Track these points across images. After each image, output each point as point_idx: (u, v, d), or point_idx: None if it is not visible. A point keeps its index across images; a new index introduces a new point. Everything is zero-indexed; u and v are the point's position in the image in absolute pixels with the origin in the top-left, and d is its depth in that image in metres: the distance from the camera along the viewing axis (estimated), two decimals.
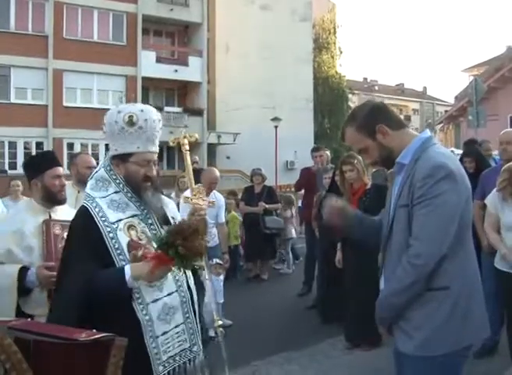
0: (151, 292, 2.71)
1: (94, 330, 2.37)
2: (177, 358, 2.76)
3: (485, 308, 2.86)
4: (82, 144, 28.04)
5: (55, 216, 3.62)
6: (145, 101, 30.99)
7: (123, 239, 2.73)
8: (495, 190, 5.13)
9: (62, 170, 3.73)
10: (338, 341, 6.39)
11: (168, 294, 2.77)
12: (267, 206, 10.40)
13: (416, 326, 2.67)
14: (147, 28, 31.40)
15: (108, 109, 2.95)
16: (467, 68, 43.34)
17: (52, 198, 3.66)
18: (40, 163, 3.76)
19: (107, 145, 2.89)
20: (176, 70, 31.36)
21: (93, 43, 28.81)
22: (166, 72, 30.93)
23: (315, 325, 7.28)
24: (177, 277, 2.80)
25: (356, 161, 6.32)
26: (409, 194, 2.66)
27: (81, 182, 5.37)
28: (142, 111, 2.84)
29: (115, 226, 2.73)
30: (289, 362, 5.91)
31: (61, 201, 3.70)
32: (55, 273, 3.12)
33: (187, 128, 30.29)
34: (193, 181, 2.92)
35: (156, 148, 2.90)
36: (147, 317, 2.67)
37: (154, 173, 2.87)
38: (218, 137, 32.39)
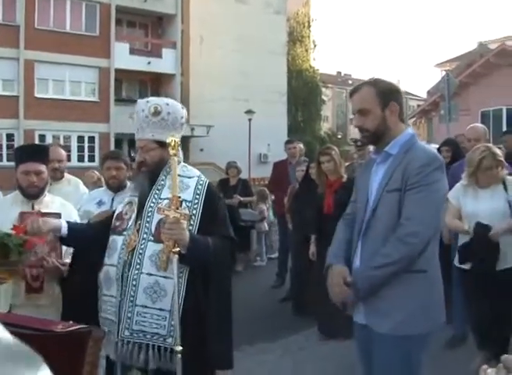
0: (107, 256, 3.12)
1: (71, 322, 2.37)
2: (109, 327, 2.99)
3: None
4: (54, 136, 27.66)
5: (38, 208, 3.61)
6: (118, 93, 30.79)
7: (118, 209, 3.27)
8: (457, 184, 5.18)
9: (37, 166, 3.64)
10: (312, 333, 6.42)
11: (111, 265, 3.07)
12: (242, 199, 10.41)
13: (394, 305, 2.78)
14: (121, 19, 31.03)
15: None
16: (439, 63, 43.67)
17: (22, 192, 3.66)
18: (16, 156, 3.75)
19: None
20: (150, 62, 31.10)
21: (65, 33, 28.34)
22: (140, 64, 30.63)
23: (289, 317, 7.31)
24: (121, 255, 3.02)
25: (334, 152, 6.34)
26: (402, 179, 2.79)
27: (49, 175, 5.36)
28: (140, 102, 3.16)
29: (125, 200, 3.30)
30: (263, 353, 5.92)
31: (31, 196, 3.66)
32: None
33: None
34: (176, 189, 2.87)
35: (141, 136, 3.13)
36: (100, 273, 3.13)
37: (138, 158, 3.14)
38: (192, 129, 32.19)
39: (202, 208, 3.02)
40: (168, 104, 3.11)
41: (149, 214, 3.02)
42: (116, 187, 4.84)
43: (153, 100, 3.13)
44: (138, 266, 2.93)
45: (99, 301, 3.13)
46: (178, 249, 2.80)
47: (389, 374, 2.84)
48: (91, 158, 28.89)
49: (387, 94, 2.92)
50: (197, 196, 3.04)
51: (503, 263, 4.80)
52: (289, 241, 8.74)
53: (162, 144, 3.06)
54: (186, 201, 3.00)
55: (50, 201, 3.74)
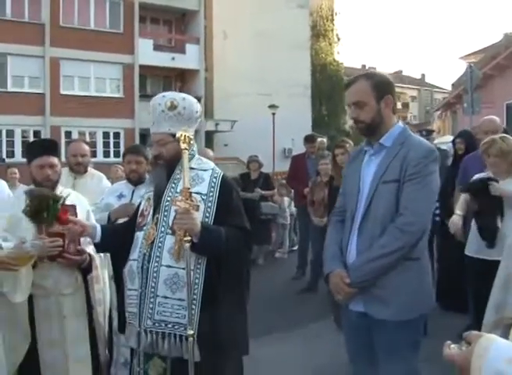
0: (131, 251, 3.21)
1: None
2: (133, 320, 3.11)
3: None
4: (80, 133, 27.96)
5: None
6: (143, 89, 31.04)
7: (141, 207, 3.36)
8: (477, 175, 5.25)
9: (51, 159, 3.74)
10: (330, 323, 6.48)
11: (133, 260, 3.16)
12: (263, 192, 10.51)
13: (394, 292, 2.89)
14: (144, 16, 31.26)
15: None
16: (464, 55, 43.20)
17: (37, 186, 3.74)
18: (30, 151, 3.84)
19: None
20: (174, 58, 31.29)
21: (90, 31, 28.66)
22: (163, 60, 30.84)
23: (309, 307, 7.42)
24: (141, 248, 3.12)
25: (348, 145, 6.46)
26: (401, 170, 2.89)
27: (72, 170, 5.51)
28: (156, 97, 3.24)
29: (144, 196, 3.40)
30: (281, 342, 6.03)
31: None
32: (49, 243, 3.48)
33: None
34: (187, 181, 2.95)
35: (156, 130, 3.20)
36: (125, 269, 3.23)
37: (154, 152, 3.23)
38: (216, 124, 32.40)
39: (217, 201, 3.10)
40: (184, 99, 3.18)
41: (166, 207, 3.10)
42: (136, 181, 4.96)
43: (169, 94, 3.21)
44: (158, 259, 3.02)
45: (125, 297, 3.23)
46: (189, 238, 2.88)
47: (395, 357, 2.94)
48: (117, 154, 29.12)
49: (382, 87, 3.02)
50: (212, 189, 3.11)
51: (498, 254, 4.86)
52: (309, 232, 8.81)
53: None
54: (201, 194, 3.08)
55: (64, 194, 3.81)
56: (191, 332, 2.86)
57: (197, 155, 3.30)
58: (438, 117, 42.64)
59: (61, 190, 3.85)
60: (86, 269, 3.76)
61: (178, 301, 2.98)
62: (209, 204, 3.09)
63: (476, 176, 5.22)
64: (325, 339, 6.08)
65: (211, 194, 3.11)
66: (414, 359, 3.02)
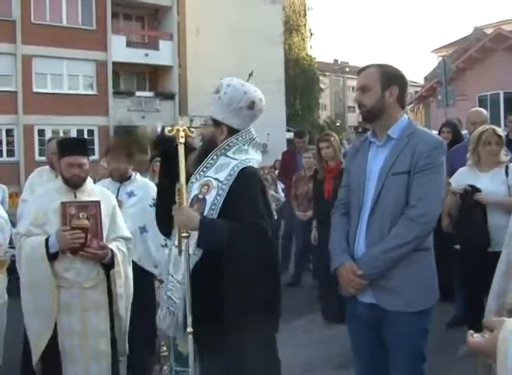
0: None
1: None
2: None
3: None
4: (53, 131, 27.58)
5: (80, 196, 3.90)
6: (116, 85, 30.77)
7: (193, 191, 3.13)
8: (460, 169, 5.28)
9: (80, 159, 3.87)
10: (317, 317, 6.51)
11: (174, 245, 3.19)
12: None
13: (405, 283, 2.91)
14: (117, 12, 30.97)
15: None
16: (435, 49, 43.55)
17: (67, 183, 3.91)
18: (61, 149, 3.99)
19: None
20: (147, 54, 31.05)
21: (62, 27, 28.27)
22: (137, 56, 30.61)
23: (293, 302, 7.38)
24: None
25: (332, 138, 6.47)
26: (412, 162, 2.91)
27: (54, 167, 5.47)
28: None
29: (192, 179, 3.18)
30: None
31: (76, 186, 3.90)
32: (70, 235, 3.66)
33: (159, 112, 30.22)
34: (183, 177, 2.97)
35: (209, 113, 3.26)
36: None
37: (201, 133, 3.37)
38: (191, 120, 32.18)
39: (229, 189, 3.02)
40: (229, 85, 3.16)
41: (189, 189, 3.12)
42: (119, 178, 4.95)
43: (222, 79, 3.24)
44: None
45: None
46: (186, 234, 2.91)
47: (409, 349, 2.96)
48: (91, 152, 28.86)
49: (390, 77, 3.05)
50: (229, 177, 3.05)
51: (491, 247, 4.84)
52: (293, 227, 8.82)
53: (216, 123, 3.20)
54: (218, 180, 3.06)
55: (90, 189, 4.01)
56: (190, 330, 2.88)
57: (236, 146, 3.22)
58: (410, 110, 42.94)
59: (89, 187, 4.02)
60: (109, 264, 3.89)
61: (175, 281, 3.11)
62: (221, 191, 3.02)
63: (461, 170, 5.27)
64: (312, 334, 6.09)
65: (226, 181, 3.04)
66: (424, 349, 3.04)
